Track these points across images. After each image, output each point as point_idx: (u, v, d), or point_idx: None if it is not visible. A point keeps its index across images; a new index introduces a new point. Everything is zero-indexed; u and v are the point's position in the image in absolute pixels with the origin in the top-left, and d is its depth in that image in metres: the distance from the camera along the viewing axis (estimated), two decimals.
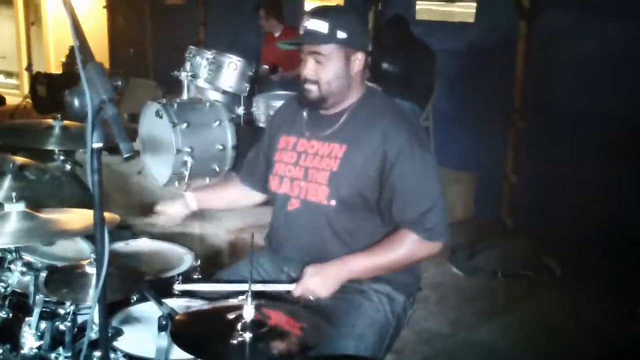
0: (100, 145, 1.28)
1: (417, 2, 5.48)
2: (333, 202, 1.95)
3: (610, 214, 4.10)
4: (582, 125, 4.29)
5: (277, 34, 5.79)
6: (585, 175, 4.28)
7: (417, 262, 2.05)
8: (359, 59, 1.97)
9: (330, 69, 1.94)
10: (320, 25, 1.90)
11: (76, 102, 1.25)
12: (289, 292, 1.96)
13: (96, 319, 1.49)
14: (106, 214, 1.46)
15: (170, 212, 2.34)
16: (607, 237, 3.95)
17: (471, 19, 5.21)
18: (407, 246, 1.95)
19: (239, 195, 2.38)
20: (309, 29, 1.92)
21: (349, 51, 1.95)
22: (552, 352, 3.05)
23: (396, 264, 1.98)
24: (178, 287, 2.06)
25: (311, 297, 1.91)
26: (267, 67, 5.69)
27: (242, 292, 1.62)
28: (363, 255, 1.97)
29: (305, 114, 2.09)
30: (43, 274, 1.89)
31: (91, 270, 1.74)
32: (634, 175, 3.92)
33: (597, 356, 3.01)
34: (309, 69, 1.95)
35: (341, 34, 1.91)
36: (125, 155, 1.24)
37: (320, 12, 1.95)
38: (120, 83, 1.29)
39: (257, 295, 1.63)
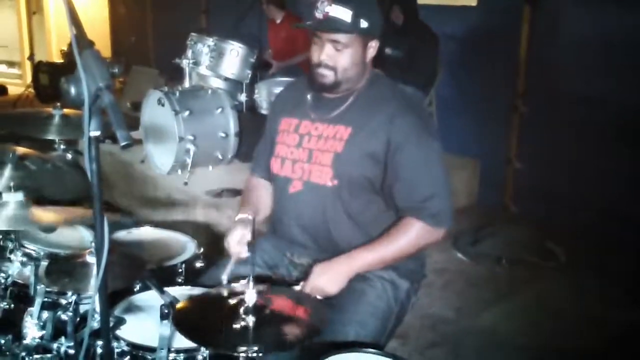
0: (97, 133, 1.27)
1: None
2: (336, 182, 1.94)
3: (614, 199, 4.08)
4: (585, 111, 4.26)
5: (278, 21, 5.76)
6: (589, 161, 4.25)
7: (424, 249, 2.05)
8: (373, 47, 1.97)
9: (348, 57, 1.91)
10: (343, 13, 1.85)
11: (72, 90, 1.23)
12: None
13: (98, 308, 1.49)
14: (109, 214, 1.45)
15: (238, 240, 2.02)
16: (610, 222, 3.94)
17: (473, 3, 5.16)
18: (413, 234, 1.94)
19: (267, 193, 2.20)
20: (331, 15, 1.86)
21: (367, 39, 1.93)
22: (556, 337, 3.04)
23: (403, 253, 1.98)
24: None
25: (319, 296, 1.89)
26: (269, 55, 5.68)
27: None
28: (369, 248, 1.96)
29: (309, 96, 2.07)
30: (44, 264, 1.89)
31: (92, 259, 1.73)
32: (638, 161, 3.89)
33: (601, 342, 3.00)
34: (327, 54, 1.91)
35: (364, 23, 1.87)
36: (123, 144, 1.23)
37: None
38: (117, 70, 1.27)
39: (260, 281, 1.64)
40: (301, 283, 1.94)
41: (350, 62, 1.92)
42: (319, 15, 1.89)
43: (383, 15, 1.98)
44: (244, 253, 1.97)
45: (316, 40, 1.93)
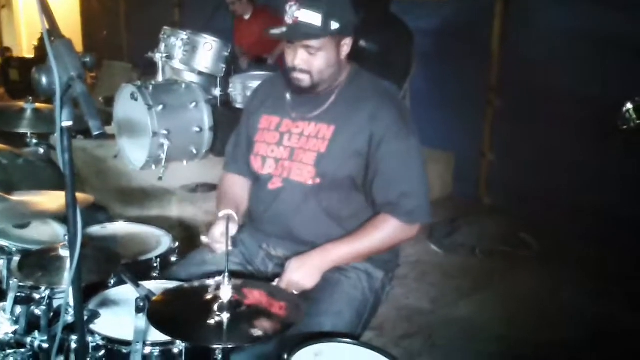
0: (69, 123, 1.26)
1: None
2: (318, 181, 1.94)
3: (585, 191, 4.14)
4: (558, 104, 4.31)
5: (247, 17, 5.70)
6: (562, 154, 4.31)
7: (398, 244, 2.08)
8: (347, 44, 1.95)
9: (323, 59, 1.89)
10: (313, 18, 1.82)
11: (44, 80, 1.22)
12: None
13: (71, 302, 1.47)
14: (80, 195, 1.44)
15: (221, 234, 1.98)
16: (582, 213, 4.00)
17: None
18: (388, 231, 1.96)
19: (244, 189, 2.17)
20: (300, 21, 1.83)
21: (340, 38, 1.91)
22: (530, 327, 3.08)
23: (377, 248, 2.00)
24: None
25: (295, 291, 1.90)
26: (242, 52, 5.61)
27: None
28: (344, 242, 1.97)
29: (288, 95, 2.05)
30: (16, 258, 1.86)
31: (65, 253, 1.72)
32: (610, 154, 3.95)
33: (576, 331, 3.04)
34: (300, 59, 1.89)
35: (334, 25, 1.85)
36: (95, 133, 1.22)
37: (313, 2, 1.83)
38: (89, 60, 1.26)
39: (235, 275, 1.63)
40: (276, 280, 1.94)
41: (325, 64, 1.90)
42: (288, 20, 1.86)
43: (354, 12, 1.95)
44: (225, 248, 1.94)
45: (289, 45, 1.91)
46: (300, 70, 1.90)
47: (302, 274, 1.92)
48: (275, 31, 1.89)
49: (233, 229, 2.00)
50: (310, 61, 1.89)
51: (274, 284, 1.92)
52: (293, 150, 1.99)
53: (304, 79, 1.91)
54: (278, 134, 2.03)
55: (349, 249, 1.96)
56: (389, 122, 1.91)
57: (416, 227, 1.98)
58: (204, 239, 2.04)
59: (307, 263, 1.93)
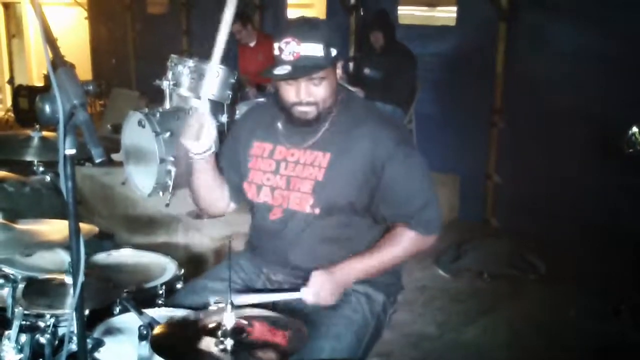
0: (73, 151, 1.27)
1: (399, 7, 5.50)
2: (317, 211, 1.93)
3: (592, 211, 4.12)
4: (562, 125, 4.33)
5: (252, 44, 5.76)
6: (567, 174, 4.31)
7: (414, 255, 2.06)
8: (339, 67, 1.97)
9: (327, 88, 1.88)
10: (315, 50, 1.80)
11: (47, 108, 1.23)
12: (299, 299, 1.92)
13: (75, 329, 1.47)
14: (84, 225, 1.45)
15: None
16: (589, 234, 3.98)
17: (452, 23, 5.25)
18: (406, 243, 1.98)
19: (221, 189, 2.11)
20: (303, 55, 1.80)
21: (336, 64, 1.93)
22: (538, 350, 3.05)
23: (395, 261, 2.02)
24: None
25: (322, 303, 1.90)
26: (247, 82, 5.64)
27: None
28: (365, 257, 1.97)
29: (279, 123, 2.03)
30: (21, 286, 1.87)
31: (70, 280, 1.72)
32: (615, 173, 3.95)
33: (583, 353, 3.02)
34: (306, 92, 1.86)
35: (334, 52, 1.86)
36: (97, 160, 1.23)
37: (310, 33, 1.82)
38: (92, 88, 1.28)
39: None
40: (302, 289, 1.91)
41: (329, 93, 1.90)
42: (288, 57, 1.81)
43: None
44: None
45: (290, 82, 1.87)
46: (307, 103, 1.88)
47: (328, 289, 1.91)
48: (280, 72, 1.82)
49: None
50: (315, 92, 1.87)
51: (301, 296, 1.89)
52: (289, 179, 1.97)
53: (311, 111, 1.90)
54: (273, 161, 2.01)
55: (370, 263, 1.97)
56: (389, 144, 1.91)
57: (432, 237, 1.99)
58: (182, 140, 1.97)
59: (332, 277, 1.92)
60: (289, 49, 1.81)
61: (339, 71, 1.97)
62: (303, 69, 1.82)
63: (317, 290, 1.90)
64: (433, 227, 1.98)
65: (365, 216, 1.98)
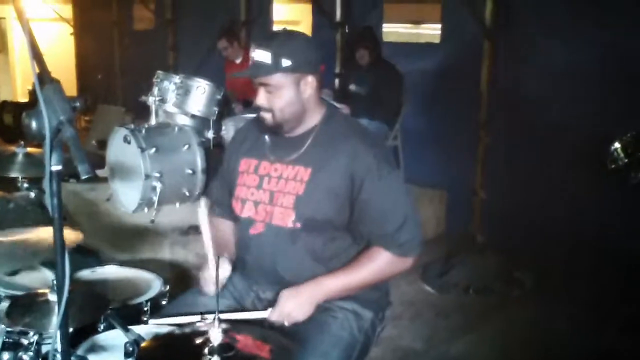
0: (59, 167, 1.26)
1: (385, 25, 5.55)
2: (298, 225, 1.94)
3: (579, 226, 4.15)
4: (548, 140, 4.37)
5: (238, 61, 5.79)
6: (553, 189, 4.34)
7: (391, 278, 2.06)
8: (309, 82, 1.96)
9: (281, 97, 1.93)
10: (264, 56, 1.90)
11: (34, 124, 1.23)
12: (264, 318, 1.94)
13: (58, 347, 1.45)
14: (70, 232, 1.44)
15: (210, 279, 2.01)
16: (576, 249, 4.00)
17: (437, 40, 5.31)
18: (380, 263, 1.96)
19: (231, 232, 2.18)
20: (255, 60, 1.93)
21: (298, 77, 1.93)
22: None
23: (370, 281, 1.99)
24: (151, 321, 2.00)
25: (286, 322, 1.89)
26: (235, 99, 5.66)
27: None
28: (337, 275, 1.96)
29: (267, 137, 2.08)
30: (4, 304, 1.84)
31: (54, 297, 1.70)
32: (602, 188, 3.98)
33: None
34: (261, 98, 1.96)
35: (286, 62, 1.89)
36: (84, 177, 1.22)
37: (264, 42, 1.93)
38: (78, 104, 1.27)
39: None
40: (269, 309, 1.93)
41: (285, 103, 1.94)
42: (251, 62, 1.95)
43: (314, 51, 2.00)
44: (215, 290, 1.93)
45: (255, 87, 1.99)
46: (264, 109, 1.97)
47: (293, 305, 1.91)
48: (237, 73, 2.00)
49: (225, 272, 2.01)
50: (270, 100, 1.95)
51: (266, 313, 1.91)
52: (272, 194, 1.99)
53: (267, 118, 1.97)
54: (257, 177, 2.04)
55: (342, 282, 1.96)
56: (369, 161, 1.92)
57: (410, 259, 1.98)
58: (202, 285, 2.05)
59: (299, 294, 1.93)
60: (252, 54, 1.95)
61: (311, 85, 1.96)
62: (251, 72, 1.95)
63: (282, 308, 1.91)
64: (409, 249, 1.96)
65: (346, 233, 1.99)
